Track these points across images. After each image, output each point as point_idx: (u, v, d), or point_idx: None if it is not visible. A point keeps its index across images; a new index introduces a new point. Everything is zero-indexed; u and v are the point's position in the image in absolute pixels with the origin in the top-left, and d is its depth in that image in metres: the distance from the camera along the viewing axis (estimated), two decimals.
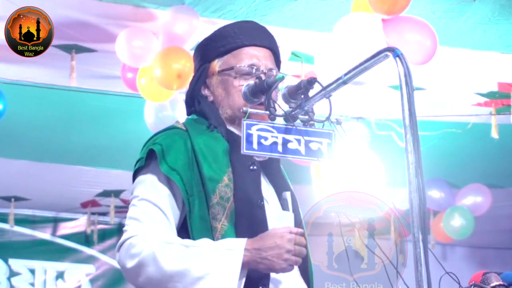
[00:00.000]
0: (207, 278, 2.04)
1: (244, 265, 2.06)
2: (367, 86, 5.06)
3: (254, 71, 2.29)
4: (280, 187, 2.32)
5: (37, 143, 5.92)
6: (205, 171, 2.18)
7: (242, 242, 2.08)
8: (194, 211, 2.16)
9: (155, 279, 2.08)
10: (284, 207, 2.29)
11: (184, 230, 2.17)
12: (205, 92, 2.35)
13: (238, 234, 2.14)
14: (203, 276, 2.04)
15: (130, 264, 2.11)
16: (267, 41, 2.36)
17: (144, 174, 2.24)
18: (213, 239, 2.13)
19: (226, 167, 2.21)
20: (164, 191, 2.19)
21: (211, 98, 2.33)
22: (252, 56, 2.31)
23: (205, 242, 2.10)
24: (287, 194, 2.31)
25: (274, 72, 2.31)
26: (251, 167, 2.24)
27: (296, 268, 2.19)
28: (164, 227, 2.16)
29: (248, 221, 2.16)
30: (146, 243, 2.09)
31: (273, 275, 2.15)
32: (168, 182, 2.19)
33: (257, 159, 2.25)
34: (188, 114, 2.39)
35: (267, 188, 2.29)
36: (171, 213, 2.18)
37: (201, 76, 2.37)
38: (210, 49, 2.37)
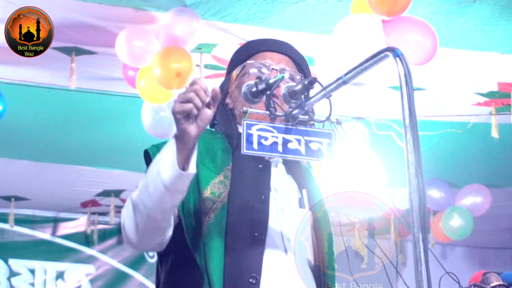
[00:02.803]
0: (155, 170, 2.05)
1: (178, 137, 2.02)
2: (367, 86, 5.07)
3: (264, 68, 2.33)
4: (300, 184, 2.33)
5: (37, 143, 5.93)
6: (200, 171, 2.21)
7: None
8: (184, 207, 2.19)
9: (135, 217, 2.11)
10: (300, 204, 2.29)
11: (180, 227, 2.20)
12: (227, 100, 2.40)
13: (229, 229, 2.15)
14: (155, 177, 2.05)
15: (122, 229, 2.17)
16: (285, 49, 2.40)
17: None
18: (201, 232, 2.15)
19: (224, 165, 2.24)
20: None
21: (231, 105, 2.37)
22: (266, 57, 2.36)
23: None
24: (303, 192, 2.31)
25: (291, 73, 2.33)
26: (260, 166, 2.25)
27: (295, 266, 2.19)
28: None
29: (242, 216, 2.17)
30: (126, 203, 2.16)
31: (267, 268, 2.14)
32: None
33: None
34: (211, 125, 2.42)
35: (286, 185, 2.30)
36: None
37: (224, 86, 2.42)
38: (233, 61, 2.46)
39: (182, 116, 1.99)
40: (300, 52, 2.45)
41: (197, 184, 2.20)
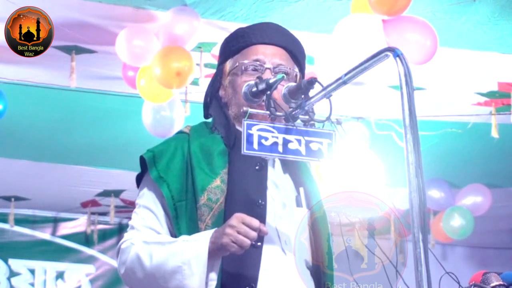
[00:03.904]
0: (180, 270, 2.09)
1: (212, 253, 2.08)
2: (367, 86, 5.07)
3: (258, 67, 2.27)
4: (297, 183, 2.32)
5: (37, 143, 5.92)
6: (196, 175, 2.21)
7: (210, 231, 2.11)
8: (181, 214, 2.20)
9: (142, 279, 2.16)
10: (298, 203, 2.28)
11: (178, 233, 2.20)
12: (221, 93, 2.36)
13: None
14: (176, 269, 2.09)
15: (121, 270, 2.21)
16: (279, 40, 2.33)
17: (142, 181, 2.32)
18: None
19: (221, 169, 2.22)
20: (156, 196, 2.26)
21: (225, 99, 2.34)
22: (258, 53, 2.30)
23: (180, 237, 2.16)
24: (300, 190, 2.29)
25: (285, 69, 2.29)
26: (256, 167, 2.24)
27: (295, 267, 2.18)
28: (155, 230, 2.23)
29: None
30: (133, 247, 2.18)
31: (265, 271, 2.14)
32: (159, 188, 2.24)
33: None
34: (205, 116, 2.40)
35: (283, 183, 2.29)
36: (164, 217, 2.24)
37: (217, 78, 2.37)
38: (225, 51, 2.39)
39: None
40: (294, 36, 2.38)
41: (193, 190, 2.20)
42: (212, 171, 2.22)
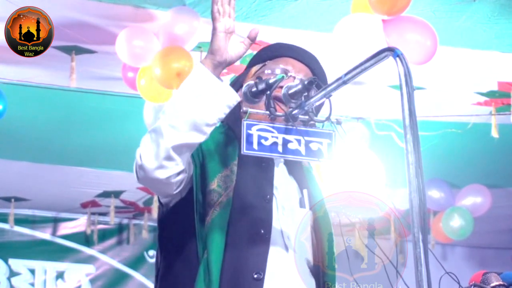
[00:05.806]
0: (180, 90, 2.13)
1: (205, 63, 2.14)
2: (367, 86, 5.07)
3: (283, 71, 2.33)
4: (300, 184, 2.35)
5: (37, 144, 5.92)
6: (207, 164, 2.23)
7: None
8: (194, 190, 2.21)
9: (156, 152, 2.13)
10: (301, 204, 2.30)
11: (186, 210, 2.21)
12: (239, 93, 2.37)
13: (231, 224, 2.16)
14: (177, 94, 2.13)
15: (137, 167, 2.17)
16: (309, 61, 2.41)
17: None
18: (205, 223, 2.17)
19: (231, 161, 2.26)
20: None
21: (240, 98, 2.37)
22: (288, 63, 2.36)
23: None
24: (304, 192, 2.32)
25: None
26: (263, 164, 2.26)
27: (295, 265, 2.19)
28: None
29: (246, 213, 2.18)
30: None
31: (270, 265, 2.16)
32: None
33: None
34: None
35: (287, 184, 2.31)
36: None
37: (238, 80, 2.43)
38: (255, 58, 2.47)
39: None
40: (323, 69, 2.46)
41: (204, 175, 2.22)
42: (222, 161, 2.25)
